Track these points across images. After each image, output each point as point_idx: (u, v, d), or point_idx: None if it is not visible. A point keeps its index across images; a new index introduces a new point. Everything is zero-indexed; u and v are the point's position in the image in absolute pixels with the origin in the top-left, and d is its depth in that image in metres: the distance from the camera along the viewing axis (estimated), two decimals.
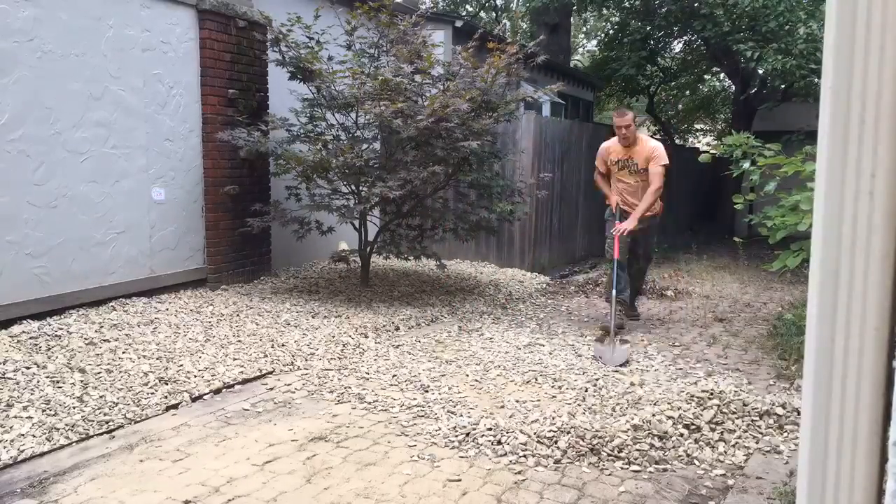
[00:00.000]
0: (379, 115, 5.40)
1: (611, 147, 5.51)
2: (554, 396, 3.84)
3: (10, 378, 3.59)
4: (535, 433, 3.22)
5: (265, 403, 3.63)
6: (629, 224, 5.20)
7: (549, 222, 8.18)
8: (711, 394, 3.55)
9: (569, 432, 3.19)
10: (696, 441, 3.19)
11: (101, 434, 3.16)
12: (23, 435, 3.05)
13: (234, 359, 4.22)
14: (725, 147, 4.75)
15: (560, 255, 8.36)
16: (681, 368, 4.46)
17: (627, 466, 2.97)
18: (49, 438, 3.05)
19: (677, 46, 14.63)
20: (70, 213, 4.83)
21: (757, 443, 3.21)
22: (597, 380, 4.11)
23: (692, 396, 3.56)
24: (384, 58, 6.14)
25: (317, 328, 4.95)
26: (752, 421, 3.38)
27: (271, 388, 3.86)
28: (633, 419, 3.31)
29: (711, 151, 5.15)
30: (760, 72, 10.73)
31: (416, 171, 5.45)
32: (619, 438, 3.13)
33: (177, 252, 5.73)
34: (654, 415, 3.36)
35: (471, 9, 19.45)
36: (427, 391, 3.86)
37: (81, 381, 3.63)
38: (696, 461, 3.04)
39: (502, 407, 3.65)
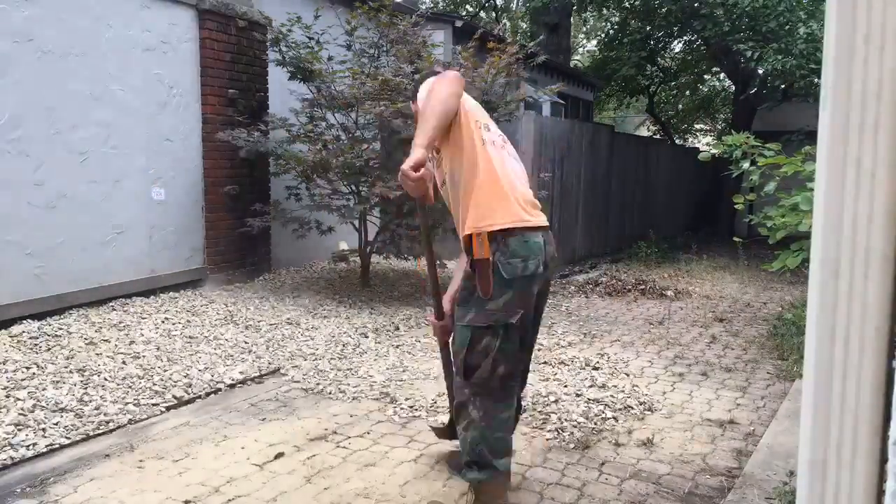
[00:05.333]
0: (379, 115, 5.40)
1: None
2: (555, 398, 3.84)
3: (10, 378, 3.59)
4: (532, 432, 3.22)
5: (265, 403, 3.63)
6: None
7: (549, 222, 8.18)
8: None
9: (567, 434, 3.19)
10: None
11: (101, 434, 3.16)
12: (23, 435, 3.04)
13: (234, 358, 4.22)
14: (725, 147, 4.75)
15: (560, 255, 8.36)
16: (681, 373, 4.46)
17: (625, 473, 2.97)
18: (49, 438, 3.05)
19: (677, 46, 14.63)
20: (70, 213, 4.83)
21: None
22: (595, 379, 4.11)
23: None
24: (384, 58, 6.14)
25: (317, 328, 4.95)
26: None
27: (271, 388, 3.86)
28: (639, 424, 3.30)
29: (712, 151, 5.11)
30: (760, 72, 10.72)
31: None
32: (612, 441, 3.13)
33: (177, 252, 5.73)
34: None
35: (471, 9, 19.45)
36: (427, 391, 3.86)
37: (81, 381, 3.63)
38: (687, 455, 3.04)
39: None
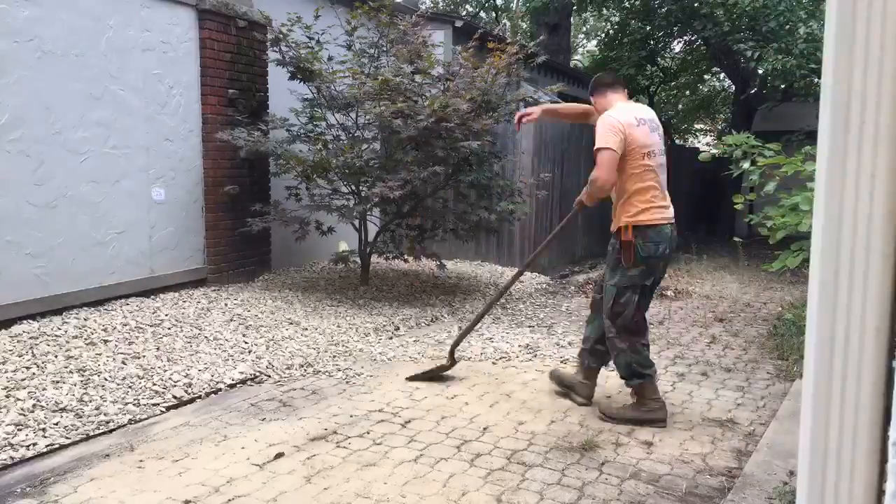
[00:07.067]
0: (379, 115, 5.40)
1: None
2: (553, 398, 3.84)
3: (10, 378, 3.59)
4: (530, 432, 3.22)
5: (265, 403, 3.63)
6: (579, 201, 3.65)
7: (549, 222, 8.18)
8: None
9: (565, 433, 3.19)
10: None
11: (101, 434, 3.16)
12: (23, 435, 3.04)
13: (234, 358, 4.22)
14: (725, 147, 4.75)
15: (560, 255, 8.36)
16: (681, 374, 4.46)
17: (620, 470, 2.97)
18: (49, 438, 3.05)
19: (677, 46, 14.63)
20: (70, 213, 4.82)
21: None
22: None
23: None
24: (384, 58, 6.14)
25: (317, 328, 4.95)
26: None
27: (271, 388, 3.86)
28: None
29: (712, 151, 5.10)
30: (760, 72, 10.73)
31: (416, 171, 5.45)
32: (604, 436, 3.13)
33: (177, 252, 5.73)
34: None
35: (471, 9, 19.45)
36: (426, 391, 3.86)
37: (81, 382, 3.63)
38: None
39: (499, 406, 3.65)
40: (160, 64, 5.48)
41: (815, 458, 0.74)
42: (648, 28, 12.87)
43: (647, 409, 3.42)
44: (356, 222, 6.15)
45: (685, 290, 7.18)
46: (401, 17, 6.12)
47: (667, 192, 3.42)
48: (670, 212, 3.40)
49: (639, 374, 3.43)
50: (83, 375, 3.72)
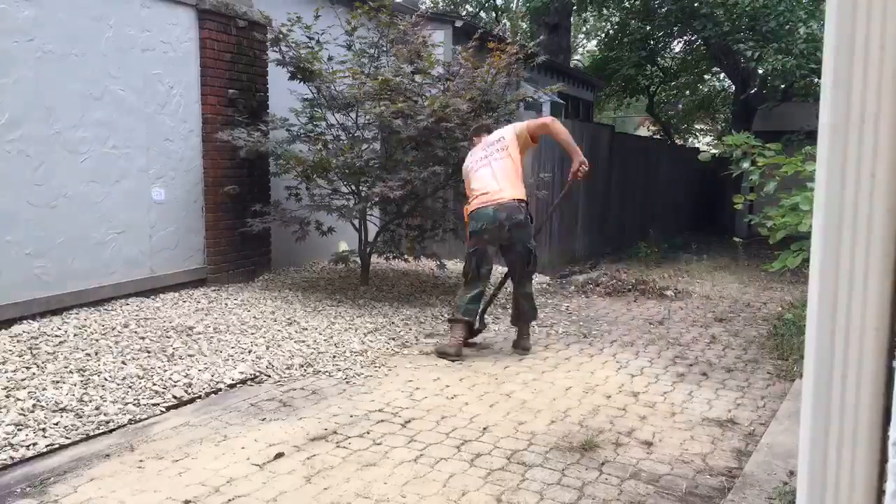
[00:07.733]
0: (379, 115, 5.40)
1: None
2: (553, 398, 3.84)
3: (10, 378, 3.59)
4: (530, 432, 3.22)
5: (265, 403, 3.63)
6: None
7: (549, 222, 8.18)
8: None
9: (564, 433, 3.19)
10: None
11: (101, 434, 3.16)
12: (23, 435, 3.04)
13: (234, 358, 4.22)
14: (725, 147, 4.75)
15: (560, 255, 8.36)
16: (682, 374, 4.46)
17: (617, 470, 2.97)
18: (49, 438, 3.05)
19: (677, 46, 14.64)
20: (70, 213, 4.82)
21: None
22: (592, 380, 4.11)
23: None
24: (384, 58, 6.14)
25: (317, 328, 4.95)
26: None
27: (271, 388, 3.86)
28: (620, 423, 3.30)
29: (712, 151, 5.10)
30: (760, 72, 10.73)
31: (416, 171, 5.45)
32: (604, 436, 3.13)
33: (177, 252, 5.73)
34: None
35: (471, 9, 19.45)
36: (426, 391, 3.86)
37: (81, 381, 3.63)
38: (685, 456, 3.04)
39: (499, 406, 3.65)
40: (160, 64, 5.48)
41: (815, 458, 0.74)
42: (648, 28, 12.88)
43: (447, 344, 4.53)
44: (356, 222, 6.15)
45: (685, 290, 7.18)
46: (401, 17, 6.12)
47: (490, 183, 4.52)
48: (494, 198, 4.47)
49: (455, 312, 4.58)
50: (83, 375, 3.72)
